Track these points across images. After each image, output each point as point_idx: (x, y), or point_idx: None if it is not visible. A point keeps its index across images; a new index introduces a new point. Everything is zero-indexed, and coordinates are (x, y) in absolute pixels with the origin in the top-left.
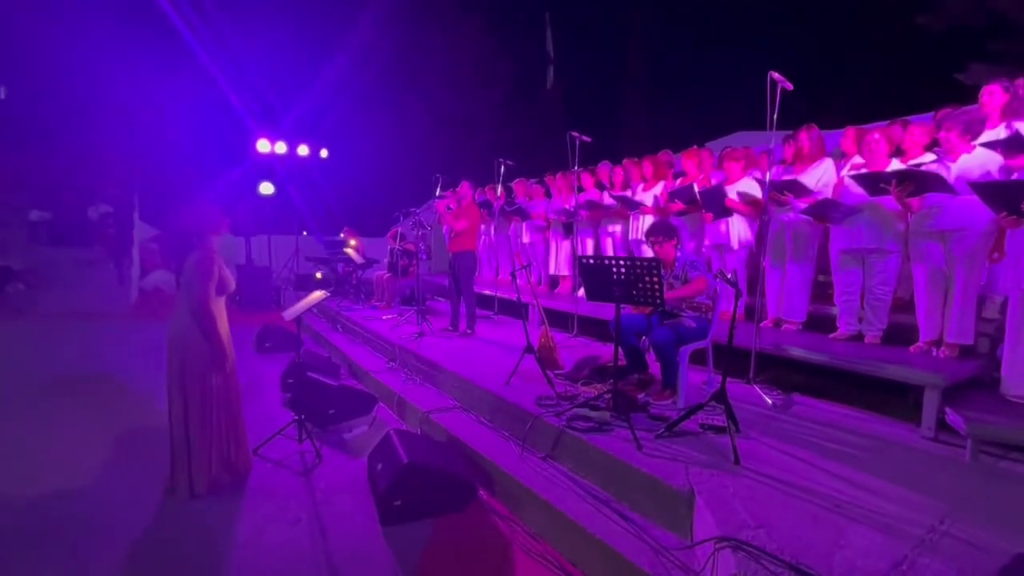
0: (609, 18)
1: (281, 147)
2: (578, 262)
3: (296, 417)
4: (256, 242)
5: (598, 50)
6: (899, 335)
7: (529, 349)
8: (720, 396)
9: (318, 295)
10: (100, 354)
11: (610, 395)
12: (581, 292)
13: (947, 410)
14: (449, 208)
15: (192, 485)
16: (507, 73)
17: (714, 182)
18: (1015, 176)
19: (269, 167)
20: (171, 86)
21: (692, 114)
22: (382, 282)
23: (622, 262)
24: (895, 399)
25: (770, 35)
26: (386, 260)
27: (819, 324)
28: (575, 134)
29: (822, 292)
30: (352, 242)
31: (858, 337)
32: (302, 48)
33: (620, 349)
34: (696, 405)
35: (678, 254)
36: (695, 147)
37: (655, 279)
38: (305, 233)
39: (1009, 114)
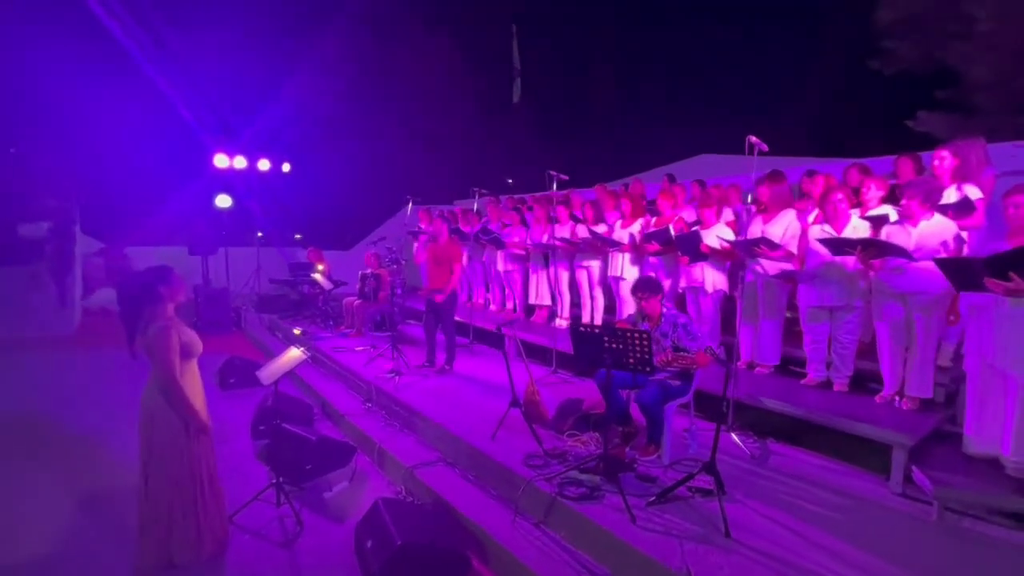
0: (575, 37)
1: (240, 162)
2: (571, 331)
3: (273, 481)
4: (214, 260)
5: (566, 65)
6: (864, 380)
7: (515, 403)
8: (711, 467)
9: (296, 355)
10: (44, 392)
11: (601, 462)
12: (557, 322)
13: (914, 469)
14: (433, 239)
15: (172, 556)
16: (475, 87)
17: (687, 219)
18: (966, 240)
19: (228, 182)
20: (116, 97)
21: (658, 135)
22: (352, 308)
23: (616, 334)
24: (864, 448)
25: (734, 63)
26: (356, 286)
27: (791, 363)
28: (553, 172)
29: (791, 327)
30: (320, 266)
31: (827, 384)
32: (263, 62)
33: (604, 399)
34: (687, 476)
35: (664, 309)
36: (666, 182)
37: (646, 348)
38: (261, 235)
39: (958, 177)
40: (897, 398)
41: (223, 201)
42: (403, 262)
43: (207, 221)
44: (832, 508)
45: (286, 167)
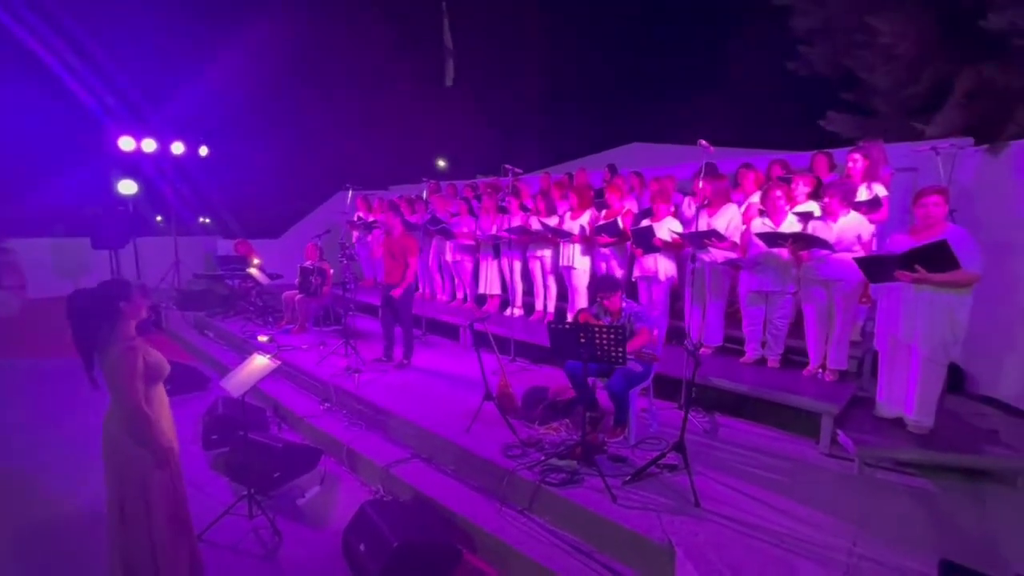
0: (506, 21)
1: (149, 144)
2: (548, 328)
3: (244, 493)
4: (125, 253)
5: (497, 49)
6: (792, 355)
7: (488, 397)
8: (680, 446)
9: (264, 363)
10: None
11: (578, 447)
12: (509, 311)
13: (839, 432)
14: (387, 232)
15: None
16: (409, 69)
17: (632, 210)
18: (874, 231)
19: (135, 167)
20: None
21: (591, 122)
22: (292, 303)
23: (590, 330)
24: (796, 416)
25: (663, 55)
26: (295, 279)
27: (731, 342)
28: (508, 167)
29: (727, 309)
30: (256, 260)
31: (762, 361)
32: (182, 40)
33: (570, 383)
34: (659, 455)
35: (623, 304)
36: (608, 174)
37: (618, 340)
38: (161, 218)
39: (868, 177)
40: (820, 371)
41: (127, 187)
42: (356, 258)
43: (113, 210)
44: (777, 472)
45: (203, 151)
